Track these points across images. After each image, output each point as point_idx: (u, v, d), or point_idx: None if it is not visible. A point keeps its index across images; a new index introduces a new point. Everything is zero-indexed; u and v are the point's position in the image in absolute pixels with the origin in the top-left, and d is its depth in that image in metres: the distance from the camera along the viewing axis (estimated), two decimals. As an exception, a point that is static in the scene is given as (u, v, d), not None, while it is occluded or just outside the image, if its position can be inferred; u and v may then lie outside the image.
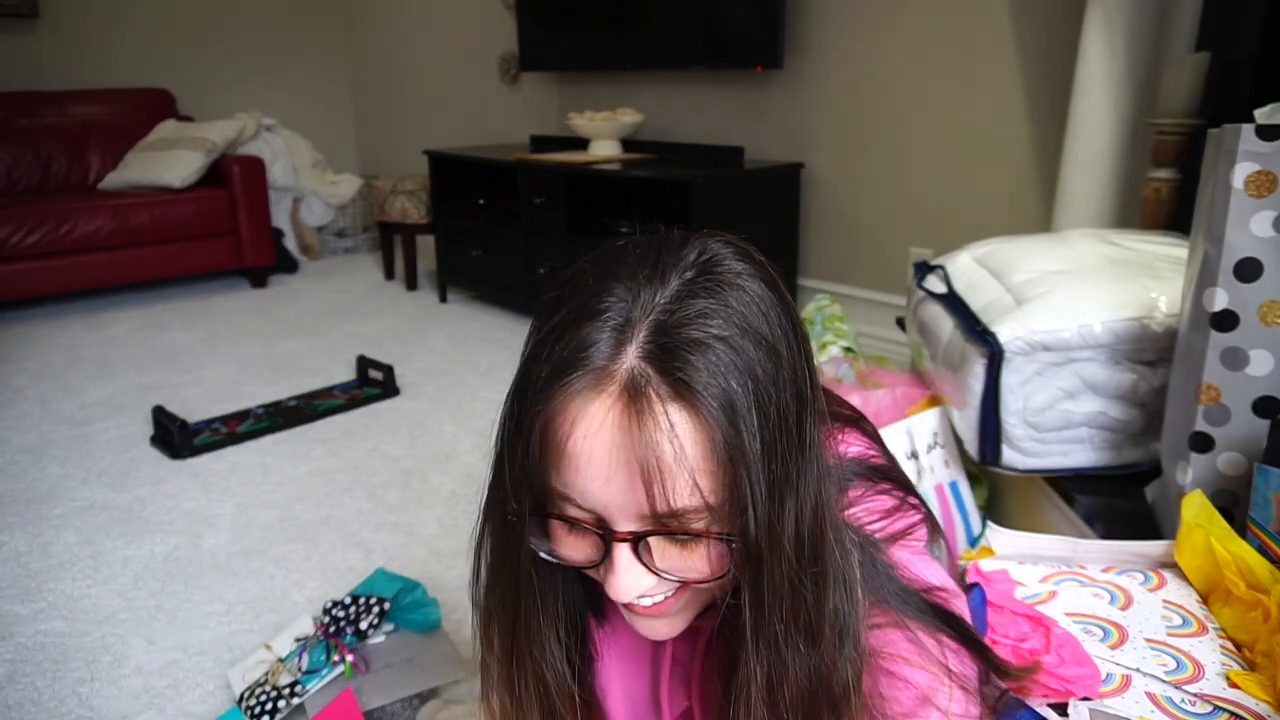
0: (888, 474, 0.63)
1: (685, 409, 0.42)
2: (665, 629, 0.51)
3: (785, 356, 0.45)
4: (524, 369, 0.46)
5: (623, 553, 0.46)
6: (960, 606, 0.57)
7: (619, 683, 0.61)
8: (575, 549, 0.48)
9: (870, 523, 0.58)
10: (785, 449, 0.44)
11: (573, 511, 0.46)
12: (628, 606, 0.50)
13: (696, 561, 0.47)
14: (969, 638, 0.54)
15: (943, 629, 0.53)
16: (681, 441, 0.42)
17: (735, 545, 0.45)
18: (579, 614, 0.58)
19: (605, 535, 0.46)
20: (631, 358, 0.43)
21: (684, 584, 0.48)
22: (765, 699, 0.48)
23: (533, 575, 0.52)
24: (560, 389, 0.43)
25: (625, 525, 0.45)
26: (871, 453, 0.65)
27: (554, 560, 0.50)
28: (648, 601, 0.49)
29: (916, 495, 0.64)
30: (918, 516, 0.61)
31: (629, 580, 0.46)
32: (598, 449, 0.43)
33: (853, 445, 0.64)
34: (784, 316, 0.47)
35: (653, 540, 0.46)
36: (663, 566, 0.47)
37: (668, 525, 0.45)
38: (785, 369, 0.45)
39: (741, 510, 0.43)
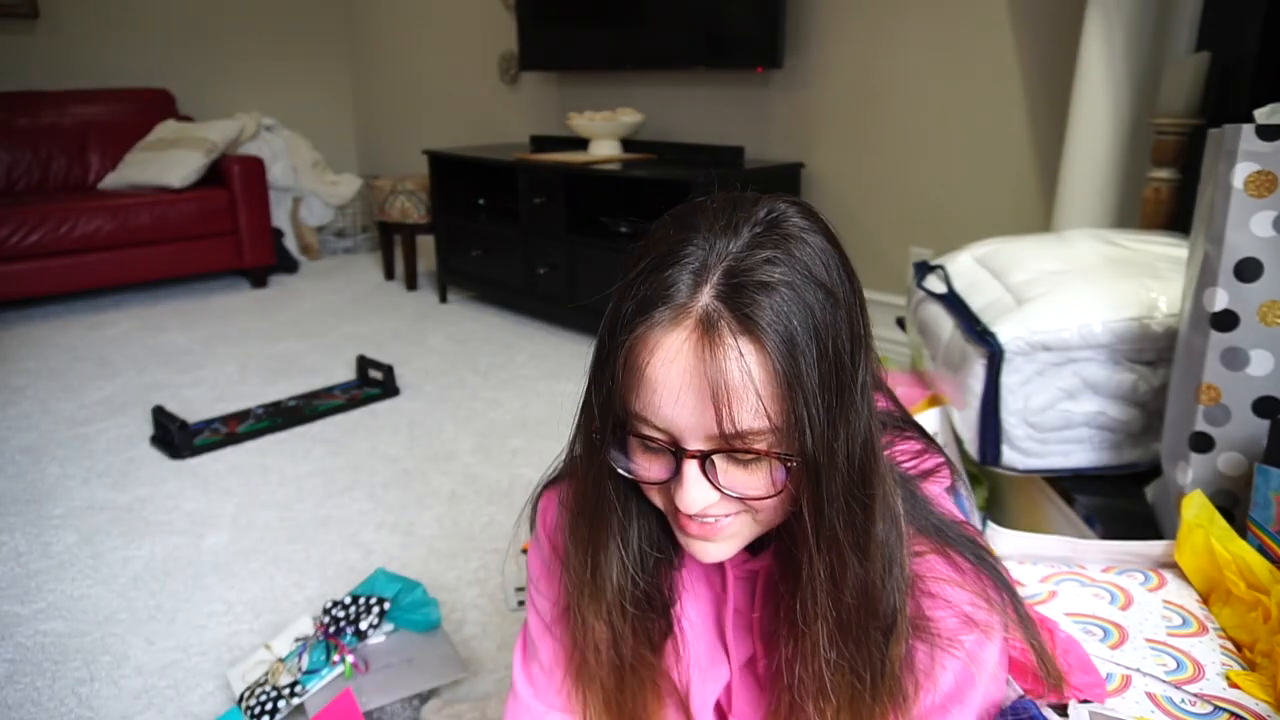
0: (912, 424, 0.71)
1: (752, 341, 0.48)
2: (717, 552, 0.57)
3: (841, 302, 0.51)
4: (613, 308, 0.53)
5: (691, 469, 0.52)
6: (986, 543, 0.62)
7: (692, 625, 0.66)
8: (649, 467, 0.55)
9: (903, 462, 0.64)
10: (838, 383, 0.51)
11: (648, 431, 0.52)
12: (685, 530, 0.56)
13: (757, 481, 0.53)
14: (996, 569, 0.60)
15: (982, 559, 0.59)
16: (748, 368, 0.48)
17: (794, 464, 0.51)
18: (655, 547, 0.63)
19: (676, 453, 0.52)
20: (706, 297, 0.49)
21: (744, 502, 0.54)
22: (830, 595, 0.54)
23: (614, 495, 0.59)
24: (643, 322, 0.50)
25: (694, 445, 0.51)
26: (894, 410, 0.71)
27: (630, 476, 0.56)
28: (710, 519, 0.54)
29: (936, 445, 0.69)
30: (941, 459, 0.67)
31: (696, 494, 0.52)
32: (673, 374, 0.49)
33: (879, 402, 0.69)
34: (841, 268, 0.53)
35: (718, 459, 0.52)
36: (725, 483, 0.52)
37: (732, 445, 0.50)
38: (841, 313, 0.51)
39: (800, 431, 0.49)
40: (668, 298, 0.50)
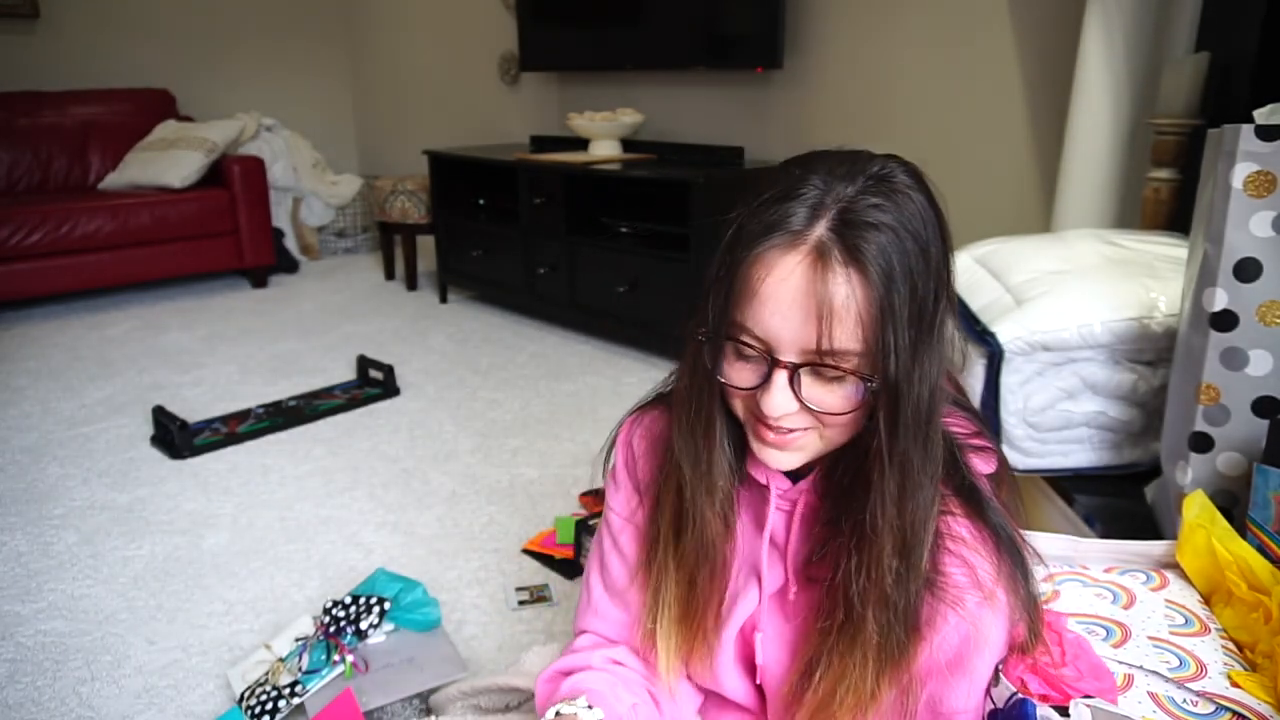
0: (973, 411, 0.75)
1: (857, 271, 0.55)
2: (786, 460, 0.64)
3: (933, 256, 0.58)
4: (736, 229, 0.59)
5: (780, 377, 0.58)
6: (1017, 528, 0.66)
7: (738, 546, 0.72)
8: (742, 375, 0.61)
9: (956, 433, 0.69)
10: (923, 325, 0.57)
11: (747, 339, 0.59)
12: (762, 437, 0.63)
13: (835, 398, 0.59)
14: (1019, 552, 0.64)
15: (1007, 538, 0.64)
16: (852, 293, 0.55)
17: (874, 385, 0.57)
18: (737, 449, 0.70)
19: (770, 362, 0.59)
20: (821, 229, 0.56)
21: (817, 417, 0.60)
22: (898, 507, 0.59)
23: (715, 387, 0.65)
24: (763, 243, 0.57)
25: (787, 356, 0.58)
26: (959, 394, 0.76)
27: (723, 380, 0.62)
28: (785, 429, 0.61)
29: (990, 436, 0.73)
30: (991, 446, 0.71)
31: (780, 400, 0.59)
32: (784, 291, 0.56)
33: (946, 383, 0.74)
34: (937, 227, 0.60)
35: (804, 373, 0.58)
36: (807, 396, 0.59)
37: (824, 360, 0.57)
38: (932, 266, 0.58)
39: (884, 356, 0.56)
40: (788, 225, 0.56)
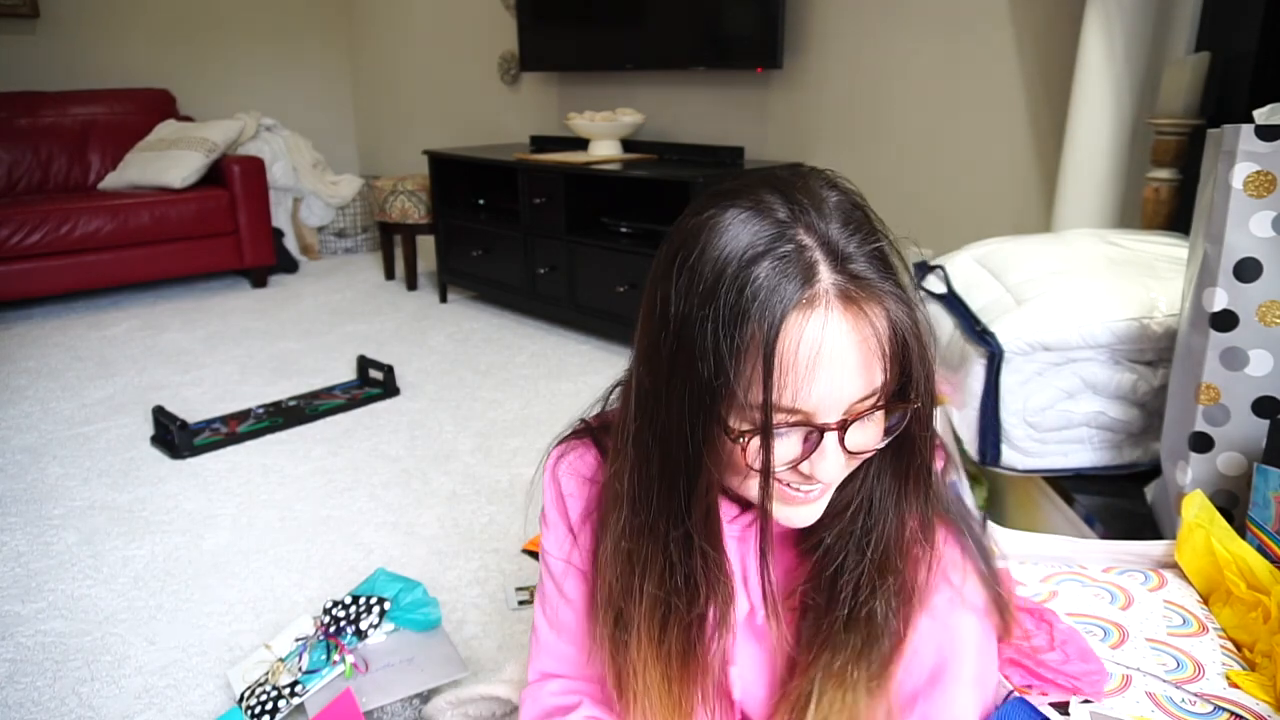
0: None
1: (879, 304, 0.52)
2: (811, 515, 0.59)
3: (888, 250, 0.56)
4: (712, 310, 0.51)
5: (831, 441, 0.54)
6: (963, 505, 0.66)
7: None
8: (780, 452, 0.55)
9: None
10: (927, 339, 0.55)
11: (784, 418, 0.53)
12: (787, 500, 0.58)
13: (873, 435, 0.56)
14: (979, 540, 0.64)
15: (964, 527, 0.64)
16: (886, 327, 0.52)
17: (913, 399, 0.55)
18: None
19: (814, 429, 0.53)
20: (827, 277, 0.51)
21: (858, 459, 0.57)
22: (898, 517, 0.59)
23: (714, 474, 0.57)
24: (777, 312, 0.50)
25: (833, 418, 0.53)
26: None
27: (775, 468, 0.55)
28: (817, 486, 0.57)
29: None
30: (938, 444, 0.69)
31: (834, 464, 0.54)
32: (823, 354, 0.51)
33: None
34: (872, 217, 0.57)
35: (852, 427, 0.54)
36: (852, 445, 0.55)
37: (875, 404, 0.54)
38: (892, 261, 0.55)
39: (925, 374, 0.54)
40: (790, 287, 0.50)
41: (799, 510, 0.59)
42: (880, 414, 0.55)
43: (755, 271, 0.50)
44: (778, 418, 0.53)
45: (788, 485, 0.57)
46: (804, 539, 0.63)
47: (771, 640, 0.66)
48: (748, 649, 0.68)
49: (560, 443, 0.73)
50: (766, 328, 0.50)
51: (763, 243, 0.51)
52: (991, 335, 1.14)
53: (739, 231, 0.52)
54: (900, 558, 0.60)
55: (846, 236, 0.52)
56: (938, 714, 0.61)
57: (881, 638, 0.59)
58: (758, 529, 0.61)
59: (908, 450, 0.58)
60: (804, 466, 0.55)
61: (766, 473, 0.54)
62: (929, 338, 0.55)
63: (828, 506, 0.60)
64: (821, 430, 0.53)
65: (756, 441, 0.53)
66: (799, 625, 0.64)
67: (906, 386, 0.55)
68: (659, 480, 0.59)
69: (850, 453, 0.55)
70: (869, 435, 0.56)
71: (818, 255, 0.51)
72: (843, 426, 0.53)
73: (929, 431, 0.58)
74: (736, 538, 0.65)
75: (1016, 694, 0.65)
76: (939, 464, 0.67)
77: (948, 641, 0.61)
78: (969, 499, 1.32)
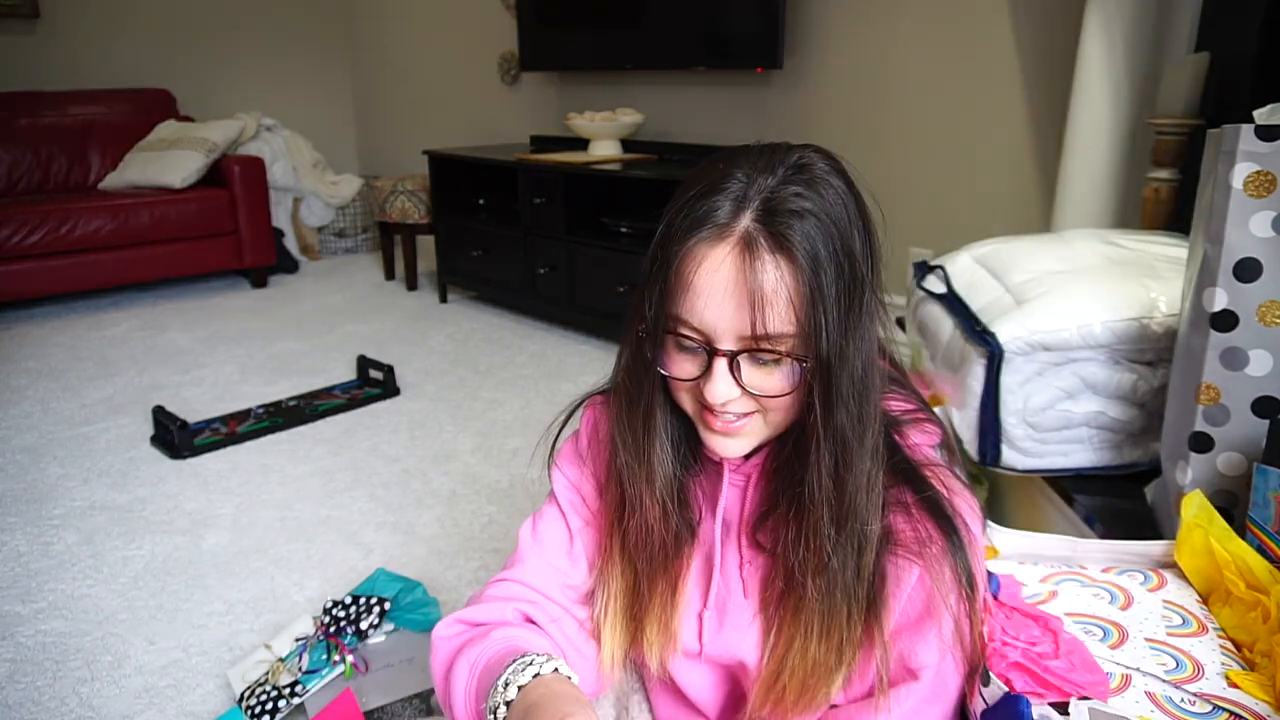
0: (909, 388, 0.76)
1: (784, 257, 0.58)
2: (736, 447, 0.66)
3: (856, 239, 0.61)
4: (666, 226, 0.62)
5: (720, 365, 0.60)
6: (956, 487, 0.67)
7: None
8: (683, 367, 0.63)
9: (894, 410, 0.71)
10: (850, 304, 0.60)
11: (686, 331, 0.61)
12: (710, 426, 0.65)
13: (774, 381, 0.61)
14: (945, 517, 0.65)
15: (936, 502, 0.65)
16: (782, 278, 0.58)
17: (809, 365, 0.59)
18: (689, 449, 0.72)
19: (709, 352, 0.61)
20: (747, 220, 0.59)
21: (759, 401, 0.62)
22: (832, 479, 0.62)
23: (660, 392, 0.67)
24: (693, 237, 0.59)
25: (725, 345, 0.60)
26: (895, 372, 0.77)
27: (666, 373, 0.64)
28: (730, 416, 0.63)
29: (929, 410, 0.75)
30: (930, 419, 0.73)
31: (722, 387, 0.61)
32: (716, 282, 0.58)
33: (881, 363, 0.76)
34: (858, 211, 0.62)
35: (743, 360, 0.60)
36: (748, 382, 0.61)
37: (760, 346, 0.59)
38: (856, 247, 0.60)
39: (817, 335, 0.58)
40: (715, 219, 0.59)
41: (724, 441, 0.65)
42: (785, 361, 0.60)
43: (698, 204, 0.59)
44: (681, 329, 0.61)
45: (709, 412, 0.63)
46: (780, 488, 0.67)
47: (753, 593, 0.70)
48: (731, 600, 0.72)
49: (600, 393, 0.82)
50: (683, 244, 0.59)
51: (716, 182, 0.60)
52: (991, 335, 1.14)
53: (711, 173, 0.61)
54: (856, 521, 0.62)
55: (786, 194, 0.58)
56: (916, 651, 0.64)
57: (838, 596, 0.63)
58: (755, 475, 0.70)
59: (829, 416, 0.61)
60: (704, 388, 0.61)
61: (651, 370, 0.64)
62: (849, 312, 0.59)
63: (789, 459, 0.65)
64: (713, 354, 0.60)
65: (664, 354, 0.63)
66: (767, 569, 0.69)
67: (811, 348, 0.59)
68: (628, 403, 0.68)
69: (745, 389, 0.61)
70: (770, 380, 0.61)
71: (748, 201, 0.59)
72: (731, 356, 0.60)
73: (855, 406, 0.61)
74: (736, 485, 0.71)
75: (1011, 692, 0.65)
76: (931, 439, 0.71)
77: (936, 586, 0.63)
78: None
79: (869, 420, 0.62)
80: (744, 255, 0.58)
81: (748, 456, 0.70)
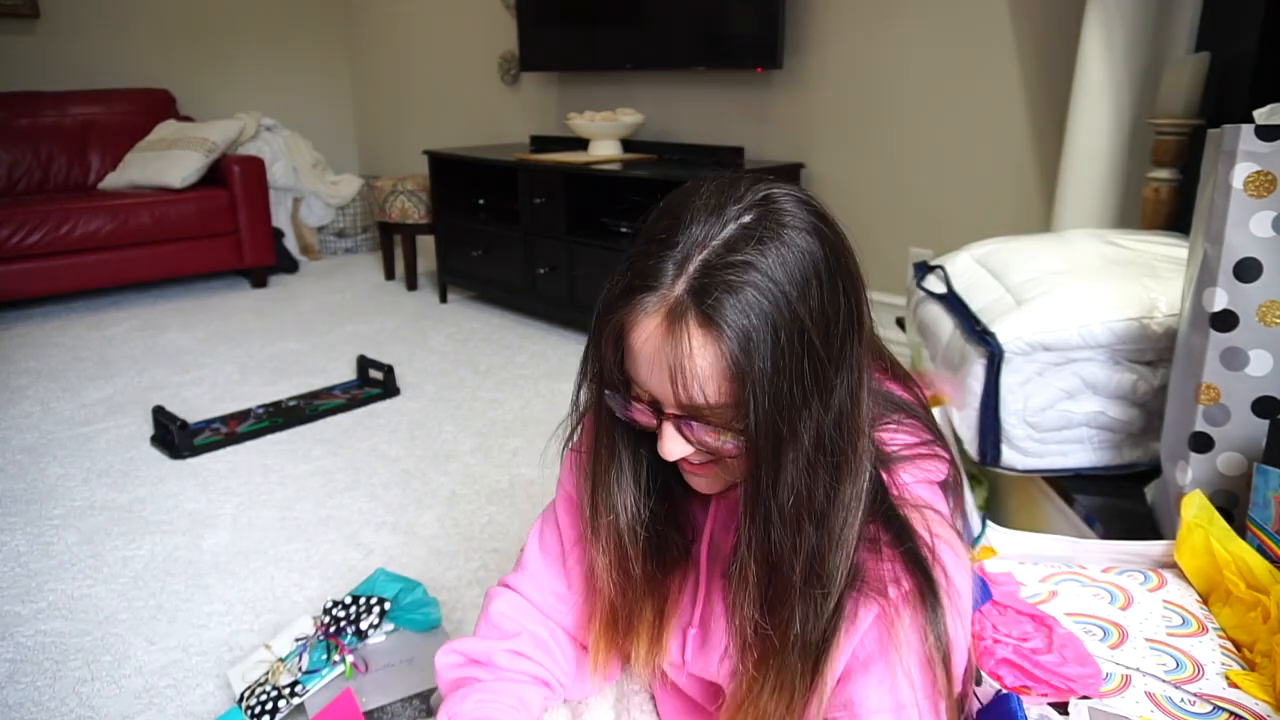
0: (920, 417, 0.72)
1: (711, 335, 0.54)
2: (706, 485, 0.66)
3: (815, 297, 0.55)
4: (611, 283, 0.60)
5: (667, 426, 0.60)
6: (950, 535, 0.64)
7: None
8: (642, 417, 0.62)
9: (898, 446, 0.68)
10: (802, 371, 0.55)
11: (636, 390, 0.61)
12: (680, 467, 0.65)
13: (723, 442, 0.59)
14: (922, 566, 0.61)
15: (919, 561, 0.61)
16: (704, 357, 0.55)
17: (750, 438, 0.56)
18: (655, 475, 0.71)
19: (658, 412, 0.60)
20: (680, 289, 0.55)
21: (714, 456, 0.61)
22: (759, 563, 0.60)
23: (621, 433, 0.67)
24: (629, 303, 0.57)
25: (670, 408, 0.59)
26: (910, 398, 0.75)
27: (626, 421, 0.64)
28: (696, 460, 0.63)
29: (943, 442, 0.72)
30: (936, 454, 0.69)
31: (670, 447, 0.60)
32: (647, 350, 0.57)
33: (896, 390, 0.74)
34: (825, 257, 0.56)
35: (693, 421, 0.59)
36: (696, 439, 0.60)
37: (696, 414, 0.58)
38: (814, 306, 0.55)
39: (746, 413, 0.55)
40: (650, 285, 0.56)
41: (695, 479, 0.66)
42: (725, 429, 0.58)
43: (644, 261, 0.57)
44: (634, 388, 0.61)
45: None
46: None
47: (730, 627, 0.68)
48: (713, 632, 0.71)
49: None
50: (627, 304, 0.57)
51: (665, 233, 0.57)
52: (991, 335, 1.14)
53: (667, 217, 0.58)
54: (805, 565, 0.59)
55: (725, 261, 0.54)
56: (862, 698, 0.61)
57: (784, 647, 0.60)
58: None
59: (775, 489, 0.57)
60: (658, 441, 0.61)
61: (606, 419, 0.65)
62: (796, 382, 0.55)
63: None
64: (660, 414, 0.60)
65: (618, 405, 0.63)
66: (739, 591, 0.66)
67: (746, 422, 0.56)
68: (600, 429, 0.68)
69: (696, 446, 0.60)
70: (720, 440, 0.59)
71: (688, 263, 0.55)
72: (675, 419, 0.59)
73: (806, 478, 0.57)
74: (724, 506, 0.71)
75: (1003, 691, 0.65)
76: (937, 475, 0.67)
77: (891, 633, 0.60)
78: (969, 500, 1.32)
79: (837, 490, 0.58)
80: (671, 329, 0.55)
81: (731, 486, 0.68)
